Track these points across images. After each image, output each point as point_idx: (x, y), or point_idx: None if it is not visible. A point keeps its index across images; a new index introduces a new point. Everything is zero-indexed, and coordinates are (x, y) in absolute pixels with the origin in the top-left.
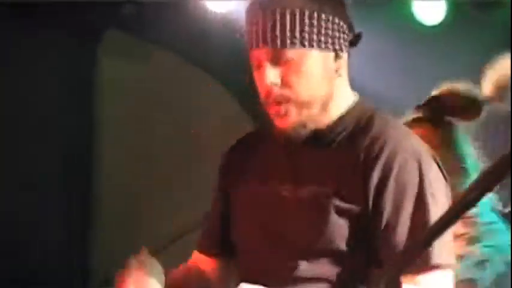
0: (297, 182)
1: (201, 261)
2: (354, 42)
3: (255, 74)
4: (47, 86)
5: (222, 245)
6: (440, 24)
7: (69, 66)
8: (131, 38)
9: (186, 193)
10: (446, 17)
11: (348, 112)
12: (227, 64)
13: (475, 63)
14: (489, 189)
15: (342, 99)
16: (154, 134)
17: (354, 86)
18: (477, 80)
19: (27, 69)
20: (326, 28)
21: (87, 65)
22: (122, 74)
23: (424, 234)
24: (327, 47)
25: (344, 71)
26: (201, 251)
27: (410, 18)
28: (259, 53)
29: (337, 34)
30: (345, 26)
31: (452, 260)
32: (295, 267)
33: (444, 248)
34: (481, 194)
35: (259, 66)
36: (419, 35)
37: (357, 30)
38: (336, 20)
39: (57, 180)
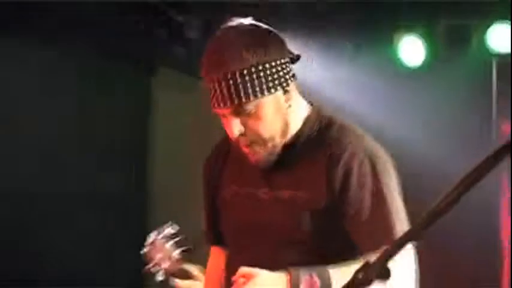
0: (272, 187)
1: (214, 250)
2: (294, 61)
3: (222, 121)
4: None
5: (217, 237)
6: (422, 65)
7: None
8: (180, 73)
9: None
10: (426, 58)
11: (304, 124)
12: None
13: (451, 96)
14: (487, 171)
15: (298, 116)
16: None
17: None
18: (453, 111)
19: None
20: (272, 73)
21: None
22: (171, 101)
23: (422, 219)
24: (276, 89)
25: (294, 96)
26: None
27: (397, 61)
28: (222, 110)
29: (282, 73)
30: (287, 61)
31: None
32: (276, 256)
33: (404, 225)
34: (478, 179)
35: (224, 116)
36: (405, 74)
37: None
38: (279, 61)
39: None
